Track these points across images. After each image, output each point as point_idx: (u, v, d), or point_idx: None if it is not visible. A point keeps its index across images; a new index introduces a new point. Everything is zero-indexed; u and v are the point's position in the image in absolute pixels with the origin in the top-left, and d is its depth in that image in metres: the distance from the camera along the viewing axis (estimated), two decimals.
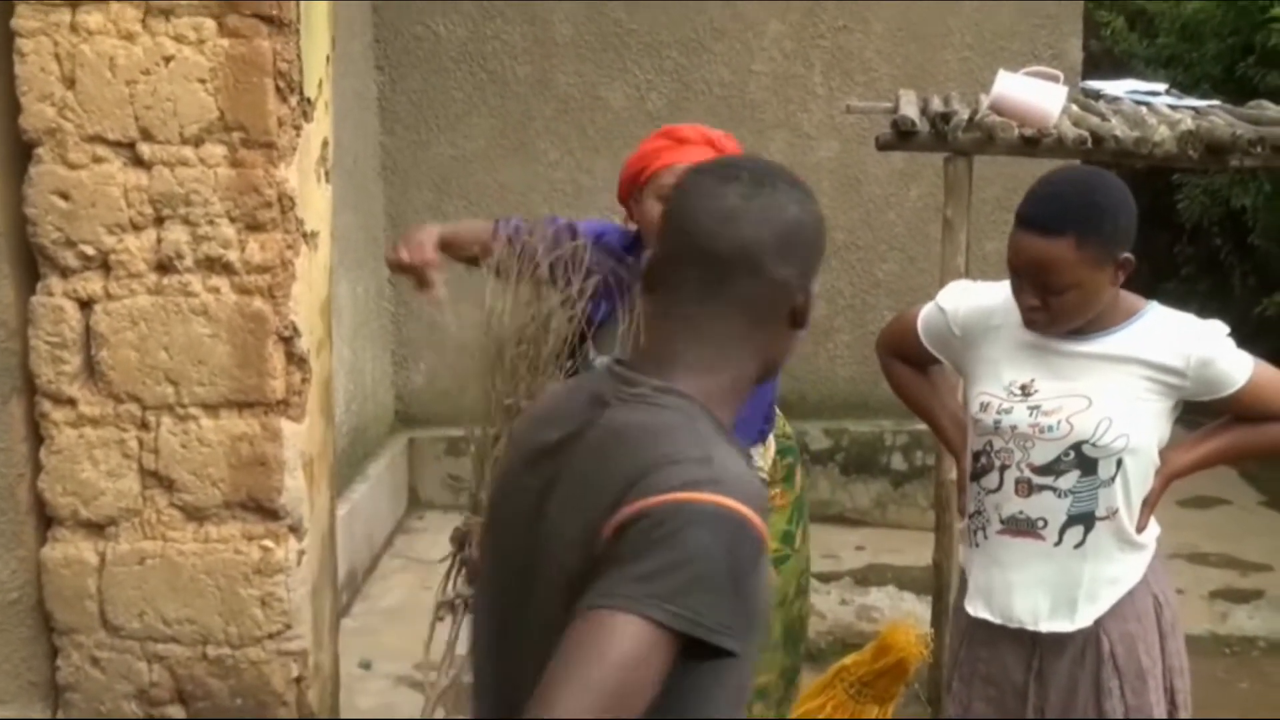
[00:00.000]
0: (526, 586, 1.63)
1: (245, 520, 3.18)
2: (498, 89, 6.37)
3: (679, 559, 1.44)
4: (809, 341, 6.42)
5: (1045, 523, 2.70)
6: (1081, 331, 2.67)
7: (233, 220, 3.07)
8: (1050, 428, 2.66)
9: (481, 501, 2.86)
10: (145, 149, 3.04)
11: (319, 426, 3.31)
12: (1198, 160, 4.00)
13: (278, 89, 3.04)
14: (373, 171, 6.28)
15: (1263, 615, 5.22)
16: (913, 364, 3.03)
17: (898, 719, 3.74)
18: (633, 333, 2.84)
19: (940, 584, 4.17)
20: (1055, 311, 2.62)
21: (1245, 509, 6.54)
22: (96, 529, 3.19)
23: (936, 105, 4.27)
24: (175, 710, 3.25)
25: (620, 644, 1.40)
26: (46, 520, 3.21)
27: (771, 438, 3.14)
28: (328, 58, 3.31)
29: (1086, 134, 3.92)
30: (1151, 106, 4.44)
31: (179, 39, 3.01)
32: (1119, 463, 2.66)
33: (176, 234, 3.07)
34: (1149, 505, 2.74)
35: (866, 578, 5.43)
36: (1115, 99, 4.60)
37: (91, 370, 3.13)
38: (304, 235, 3.14)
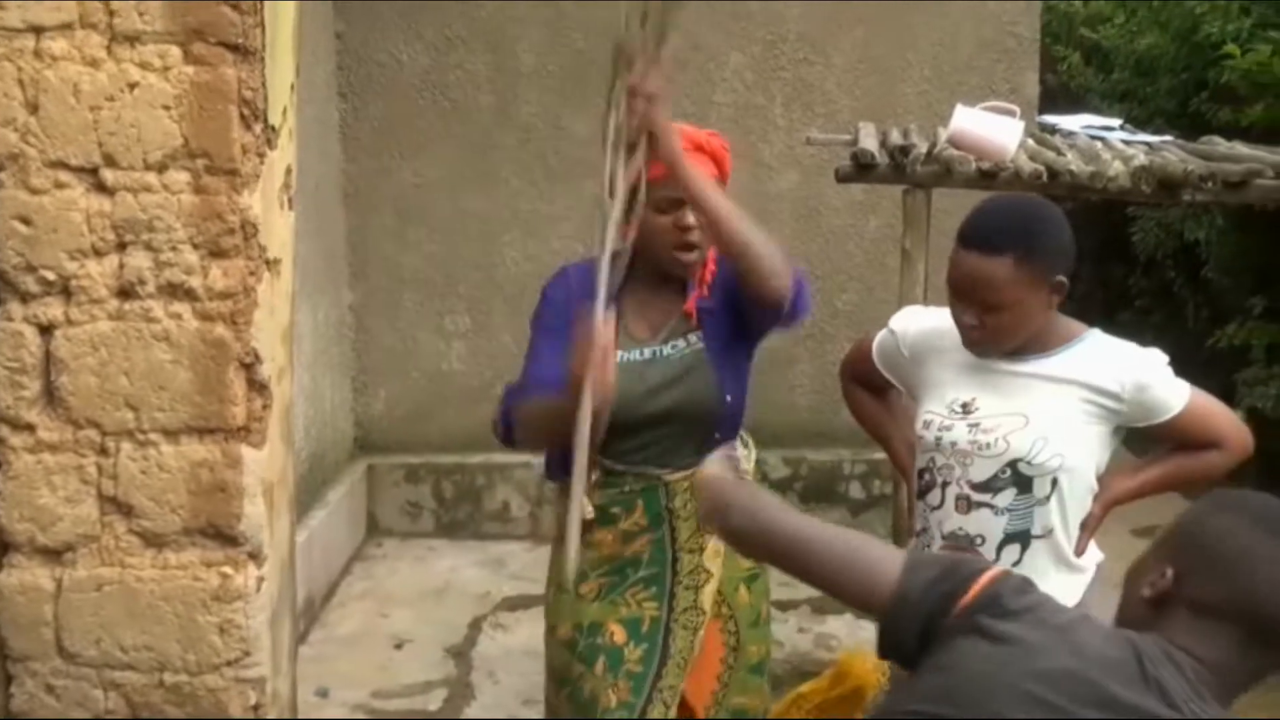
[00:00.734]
0: None
1: (204, 547, 3.17)
2: (460, 117, 6.40)
3: None
4: (770, 371, 6.46)
5: (983, 539, 2.76)
6: (1022, 352, 2.74)
7: (195, 247, 3.06)
8: (988, 445, 2.73)
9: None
10: (108, 175, 3.04)
11: (280, 453, 3.31)
12: (1151, 195, 4.08)
13: (242, 116, 3.04)
14: (334, 198, 6.29)
15: None
16: (871, 389, 3.09)
17: None
18: None
19: None
20: (992, 330, 2.69)
21: None
22: (54, 555, 3.17)
23: (895, 138, 4.33)
24: None
25: None
26: (3, 546, 3.19)
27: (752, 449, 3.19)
28: (292, 85, 3.32)
29: (1043, 168, 3.99)
30: (1106, 141, 4.52)
31: (144, 66, 3.01)
32: (1054, 482, 2.72)
33: (139, 260, 3.07)
34: (1088, 529, 2.79)
35: (824, 606, 5.45)
36: (1071, 134, 4.68)
37: (51, 396, 3.12)
38: (267, 262, 3.14)
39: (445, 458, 6.62)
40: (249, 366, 3.12)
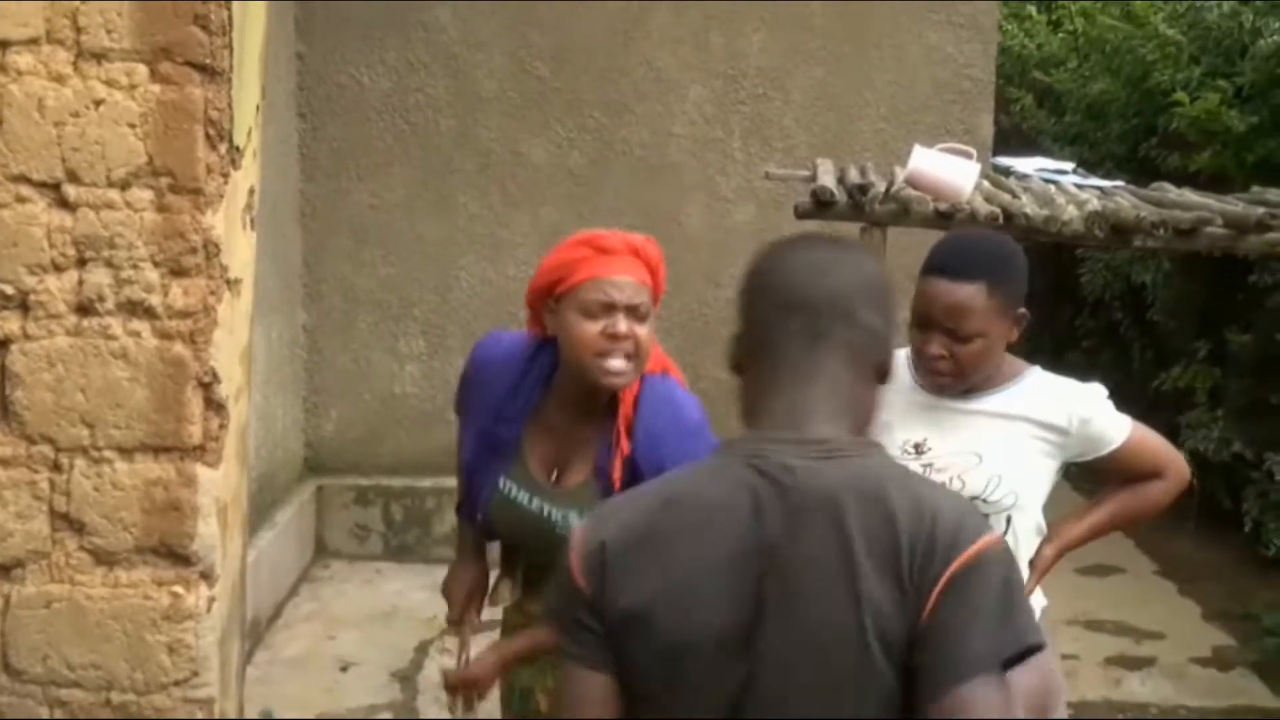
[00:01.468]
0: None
1: (156, 565, 3.15)
2: (419, 141, 6.41)
3: (1006, 600, 1.56)
4: (720, 402, 6.47)
5: None
6: (970, 391, 2.78)
7: (156, 265, 3.06)
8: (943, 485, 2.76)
9: None
10: (71, 190, 3.03)
11: (234, 473, 3.30)
12: (1104, 240, 4.14)
13: (207, 136, 3.05)
14: (291, 218, 6.28)
15: (1155, 682, 5.34)
16: None
17: None
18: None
19: None
20: (962, 361, 2.70)
21: (1139, 577, 6.69)
22: (3, 571, 3.14)
23: (853, 175, 4.38)
24: None
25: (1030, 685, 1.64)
26: None
27: None
28: (258, 107, 3.32)
29: (998, 210, 4.05)
30: (1060, 185, 4.59)
31: (110, 83, 3.01)
32: (1008, 520, 2.76)
33: (99, 276, 3.06)
34: (1037, 571, 2.83)
35: None
36: (1025, 176, 4.75)
37: (5, 410, 3.10)
38: (228, 282, 3.14)
39: (395, 480, 6.60)
40: (207, 386, 3.11)
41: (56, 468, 3.12)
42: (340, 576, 6.39)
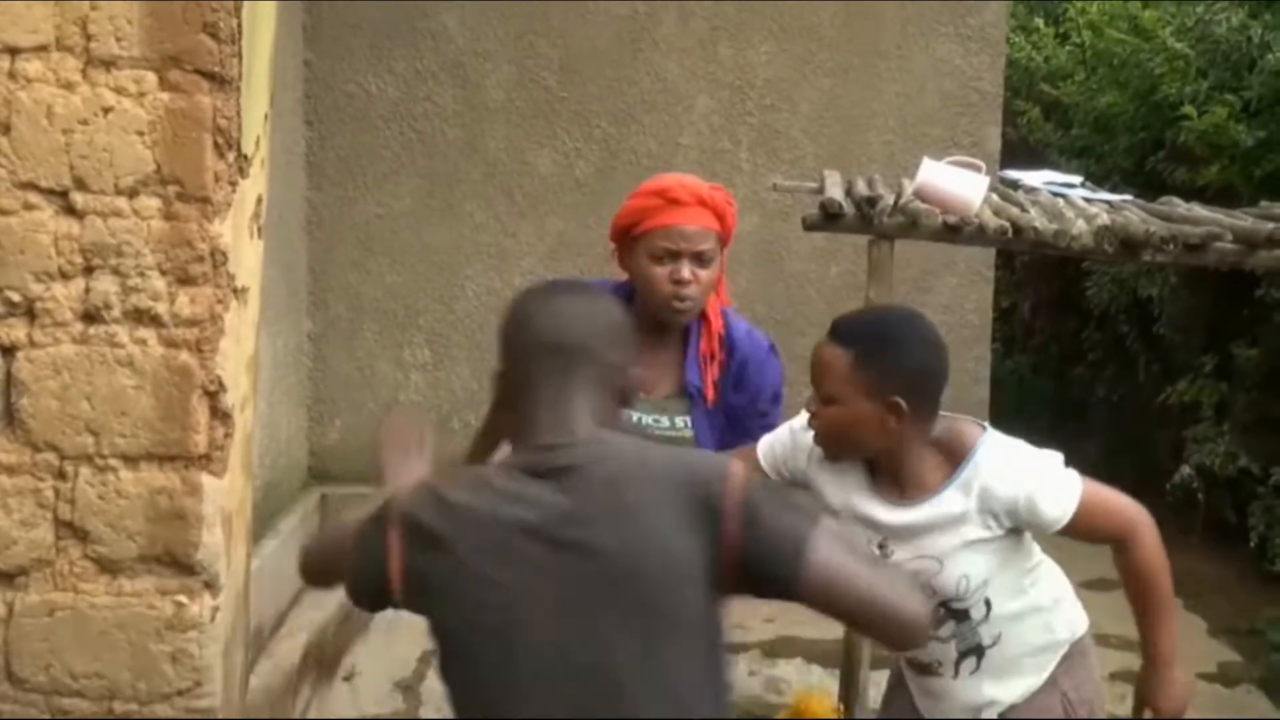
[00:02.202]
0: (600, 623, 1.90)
1: (160, 575, 3.14)
2: (426, 150, 6.40)
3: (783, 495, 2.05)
4: None
5: (940, 664, 2.80)
6: (910, 496, 2.68)
7: (163, 273, 3.06)
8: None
9: None
10: (78, 198, 3.03)
11: (239, 482, 3.29)
12: (1112, 254, 4.12)
13: (216, 145, 3.05)
14: (298, 226, 6.26)
15: None
16: None
17: None
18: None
19: (850, 659, 4.21)
20: (821, 424, 2.66)
21: None
22: (6, 579, 3.14)
23: (861, 188, 4.37)
24: None
25: (839, 543, 1.96)
26: None
27: None
28: (266, 115, 3.32)
29: (1007, 224, 4.04)
30: (1068, 199, 4.57)
31: (119, 91, 3.01)
32: (987, 602, 2.72)
33: (105, 284, 3.06)
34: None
35: (775, 650, 5.46)
36: (1033, 189, 4.73)
37: (10, 418, 3.10)
38: (234, 291, 3.14)
39: None
40: (213, 394, 3.11)
41: (61, 475, 3.11)
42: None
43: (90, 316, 3.07)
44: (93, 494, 3.11)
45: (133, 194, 3.04)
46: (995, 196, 4.44)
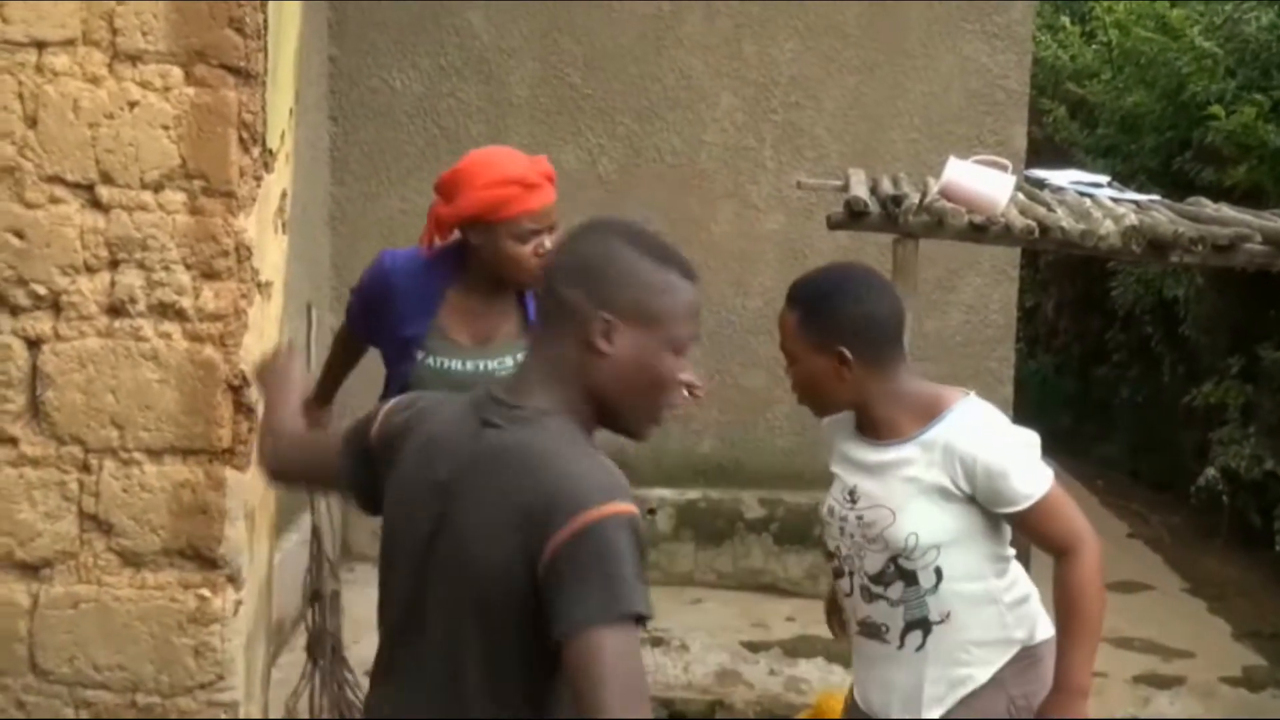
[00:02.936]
0: (424, 612, 1.96)
1: (183, 568, 3.15)
2: (450, 145, 6.39)
3: (618, 565, 1.78)
4: (748, 411, 6.49)
5: (887, 628, 2.79)
6: (883, 437, 2.76)
7: (188, 267, 3.06)
8: (873, 539, 2.75)
9: None
10: (104, 192, 3.04)
11: (262, 477, 3.30)
12: (1140, 255, 4.10)
13: (241, 139, 3.05)
14: (321, 221, 6.27)
15: (1184, 702, 5.28)
16: None
17: None
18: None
19: None
20: (792, 384, 2.82)
21: (1169, 594, 6.63)
22: (31, 570, 3.15)
23: (886, 186, 4.36)
24: None
25: (618, 648, 1.76)
26: None
27: None
28: (291, 110, 3.33)
29: (1034, 224, 4.02)
30: (1095, 199, 4.55)
31: (145, 85, 3.01)
32: (938, 571, 2.71)
33: (130, 278, 3.06)
34: None
35: (796, 649, 5.45)
36: (1060, 189, 4.71)
37: (36, 410, 3.11)
38: (258, 285, 3.14)
39: None
40: (237, 389, 3.11)
41: (86, 469, 3.12)
42: (365, 579, 6.33)
43: (115, 310, 3.08)
44: (117, 487, 3.12)
45: (158, 188, 3.04)
46: (1021, 196, 4.42)
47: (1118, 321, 8.91)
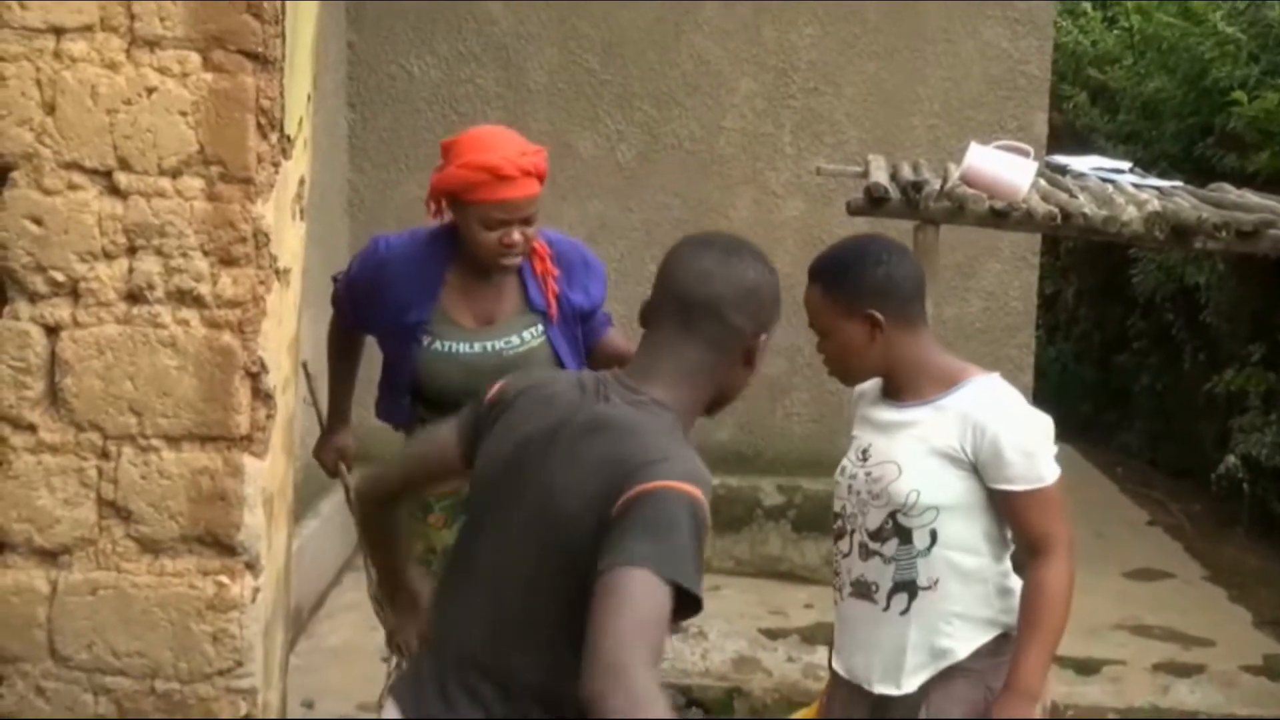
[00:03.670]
0: (518, 542, 2.12)
1: (202, 555, 3.15)
2: None
3: (675, 533, 1.93)
4: (766, 398, 6.47)
5: (876, 587, 2.81)
6: (903, 398, 2.81)
7: (206, 254, 3.06)
8: (877, 495, 2.78)
9: None
10: (122, 178, 3.03)
11: (281, 464, 3.30)
12: (1163, 241, 4.07)
13: (259, 125, 3.04)
14: (339, 208, 6.28)
15: (1204, 690, 5.26)
16: None
17: None
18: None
19: None
20: (825, 358, 2.86)
21: (1189, 582, 6.60)
22: (50, 557, 3.15)
23: (906, 172, 4.33)
24: None
25: (647, 591, 1.86)
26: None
27: None
28: (309, 96, 3.32)
29: (1056, 210, 3.99)
30: (1117, 185, 4.52)
31: (163, 71, 3.00)
32: (932, 534, 2.73)
33: (149, 265, 3.06)
34: None
35: (814, 636, 5.44)
36: (1081, 175, 4.68)
37: (54, 397, 3.11)
38: (276, 272, 3.13)
39: None
40: (255, 376, 3.11)
41: (104, 455, 3.12)
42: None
43: (133, 297, 3.07)
44: (135, 474, 3.12)
45: (176, 174, 3.03)
46: (1043, 182, 4.39)
47: (1138, 309, 8.87)
